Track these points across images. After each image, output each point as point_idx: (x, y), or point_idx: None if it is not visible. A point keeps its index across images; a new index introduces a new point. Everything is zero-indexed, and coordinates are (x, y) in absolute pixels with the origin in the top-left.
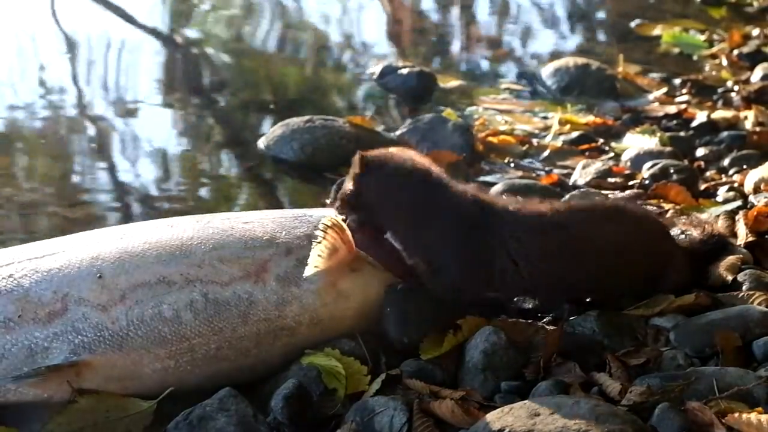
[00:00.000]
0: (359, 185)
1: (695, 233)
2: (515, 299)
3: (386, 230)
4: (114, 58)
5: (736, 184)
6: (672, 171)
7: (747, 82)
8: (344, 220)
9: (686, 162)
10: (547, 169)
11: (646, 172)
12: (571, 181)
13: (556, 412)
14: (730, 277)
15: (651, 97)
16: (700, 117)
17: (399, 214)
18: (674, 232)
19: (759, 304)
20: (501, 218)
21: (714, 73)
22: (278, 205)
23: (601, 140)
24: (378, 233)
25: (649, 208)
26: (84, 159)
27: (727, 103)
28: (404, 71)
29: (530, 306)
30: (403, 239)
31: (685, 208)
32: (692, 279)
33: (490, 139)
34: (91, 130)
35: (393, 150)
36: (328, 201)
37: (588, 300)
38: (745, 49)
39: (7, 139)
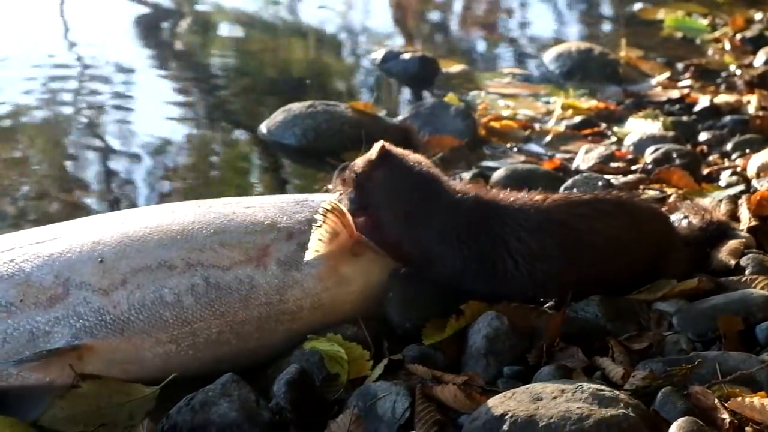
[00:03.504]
0: (374, 172)
1: (695, 220)
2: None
3: (385, 218)
4: (115, 41)
5: (738, 169)
6: (675, 156)
7: (750, 66)
8: (341, 202)
9: (689, 147)
10: (549, 153)
11: (648, 156)
12: (573, 166)
13: (558, 396)
14: (732, 262)
15: (653, 81)
16: (703, 101)
17: (403, 206)
18: (675, 217)
19: (761, 288)
20: (502, 217)
21: (717, 57)
22: (280, 190)
23: (604, 125)
24: (378, 218)
25: (651, 193)
26: (84, 144)
27: (730, 88)
28: (406, 56)
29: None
30: (402, 230)
31: (688, 192)
32: (691, 269)
33: (493, 123)
34: (92, 115)
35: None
36: (330, 186)
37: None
38: (748, 34)
39: (8, 125)
